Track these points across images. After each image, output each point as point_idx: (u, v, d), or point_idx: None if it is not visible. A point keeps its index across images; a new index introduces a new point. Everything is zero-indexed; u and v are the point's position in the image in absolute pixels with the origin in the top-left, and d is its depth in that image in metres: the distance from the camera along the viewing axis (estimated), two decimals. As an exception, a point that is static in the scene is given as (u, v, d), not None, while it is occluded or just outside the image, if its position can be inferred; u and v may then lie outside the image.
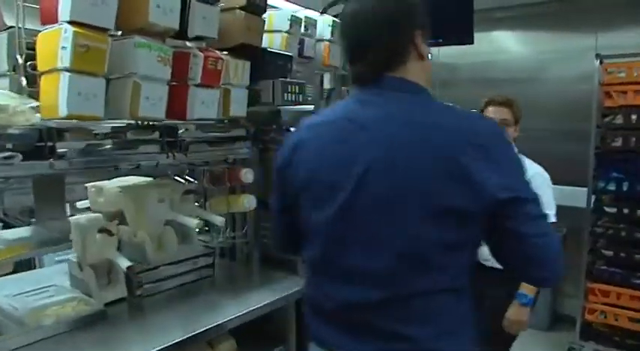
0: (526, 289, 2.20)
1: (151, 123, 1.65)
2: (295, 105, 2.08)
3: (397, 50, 1.14)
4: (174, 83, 1.62)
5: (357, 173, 1.08)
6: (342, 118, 1.16)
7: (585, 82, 4.11)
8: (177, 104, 1.65)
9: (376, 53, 1.13)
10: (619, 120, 3.41)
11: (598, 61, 3.46)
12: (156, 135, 1.66)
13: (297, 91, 2.04)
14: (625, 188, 3.35)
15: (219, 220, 1.87)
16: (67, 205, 2.02)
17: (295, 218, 1.25)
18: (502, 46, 4.65)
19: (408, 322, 1.09)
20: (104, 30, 1.40)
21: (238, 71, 1.88)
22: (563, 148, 4.04)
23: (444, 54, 4.72)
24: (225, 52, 1.84)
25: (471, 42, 3.14)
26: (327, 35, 2.51)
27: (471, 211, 1.03)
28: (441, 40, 3.16)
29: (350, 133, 1.12)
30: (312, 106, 3.11)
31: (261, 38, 2.00)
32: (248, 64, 1.92)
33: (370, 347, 1.12)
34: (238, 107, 1.90)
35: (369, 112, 1.13)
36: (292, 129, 2.08)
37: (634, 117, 3.30)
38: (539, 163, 2.42)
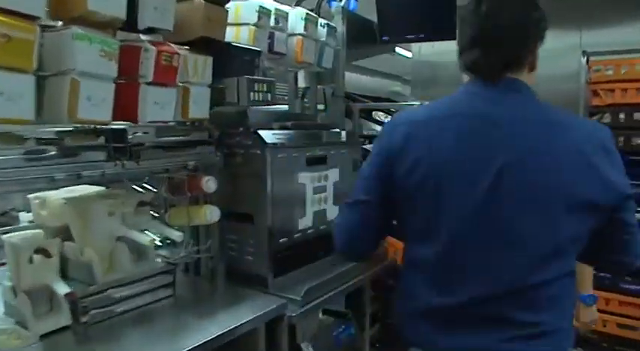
0: (586, 291, 2.27)
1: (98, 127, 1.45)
2: (264, 105, 1.88)
3: (523, 54, 1.24)
4: (121, 81, 1.42)
5: (495, 172, 1.11)
6: (467, 115, 1.19)
7: (570, 80, 4.01)
8: (126, 105, 1.44)
9: (506, 53, 1.22)
10: (607, 119, 3.29)
11: (585, 59, 3.32)
12: (102, 140, 1.45)
13: (265, 89, 1.85)
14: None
15: (176, 235, 1.67)
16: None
17: (390, 212, 1.30)
18: (483, 43, 4.51)
19: (538, 309, 1.15)
20: (32, 18, 1.19)
21: (198, 68, 1.68)
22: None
23: (424, 52, 4.60)
24: (184, 47, 1.64)
25: (453, 38, 2.97)
26: (300, 29, 2.32)
27: (601, 204, 1.14)
28: (423, 36, 3.00)
29: (483, 130, 1.16)
30: (287, 107, 2.95)
31: (224, 31, 1.80)
32: (210, 59, 1.72)
33: (497, 337, 1.15)
34: (199, 108, 1.70)
35: (501, 110, 1.18)
36: (262, 132, 1.91)
37: (622, 116, 3.19)
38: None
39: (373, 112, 2.75)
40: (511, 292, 1.14)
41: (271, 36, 2.16)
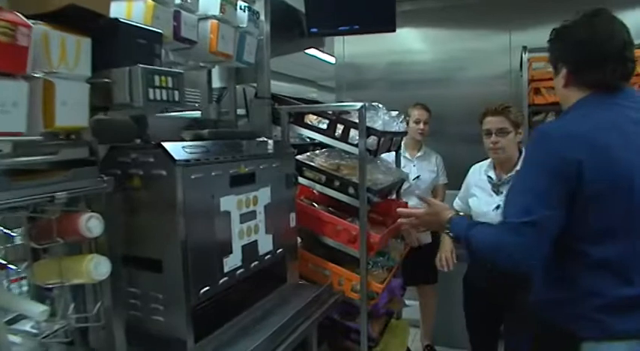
0: None
1: None
2: (169, 107, 1.36)
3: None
4: None
5: None
6: (630, 121, 1.36)
7: (502, 81, 3.84)
8: None
9: (630, 66, 1.39)
10: (551, 118, 3.06)
11: (526, 55, 3.08)
12: None
13: (170, 84, 1.32)
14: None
15: (37, 312, 1.09)
16: None
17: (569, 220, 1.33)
18: (411, 45, 4.25)
19: None
20: None
21: (68, 52, 1.13)
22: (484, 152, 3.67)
23: (349, 54, 4.27)
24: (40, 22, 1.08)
25: (393, 29, 2.60)
26: (215, 11, 1.81)
27: None
28: (357, 27, 2.59)
29: None
30: (199, 113, 2.41)
31: (109, 2, 1.26)
32: (86, 41, 1.18)
33: None
34: (72, 113, 1.15)
35: None
36: (168, 145, 1.38)
37: (568, 114, 2.95)
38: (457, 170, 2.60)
39: (305, 117, 2.27)
40: None
41: (177, 17, 1.63)
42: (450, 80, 4.07)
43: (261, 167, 1.80)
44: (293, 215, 2.08)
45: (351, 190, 2.21)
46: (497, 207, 2.35)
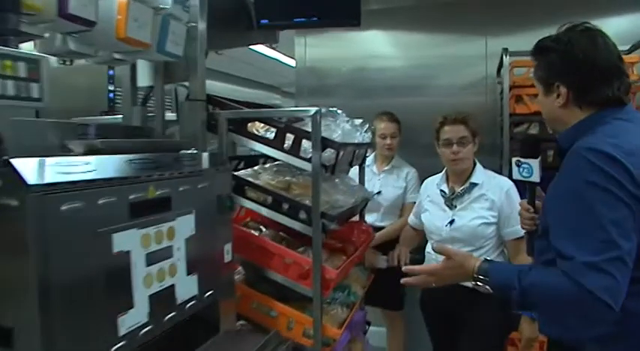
0: None
1: None
2: (16, 102, 0.92)
3: None
4: None
5: None
6: None
7: (477, 90, 3.54)
8: None
9: (625, 79, 1.36)
10: (534, 129, 2.73)
11: (507, 58, 2.74)
12: None
13: (20, 73, 0.88)
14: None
15: None
16: None
17: None
18: (379, 49, 3.90)
19: None
20: None
21: None
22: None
23: (311, 58, 3.93)
24: None
25: (357, 23, 2.21)
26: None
27: None
28: (315, 19, 2.19)
29: None
30: (120, 116, 1.98)
31: None
32: None
33: None
34: None
35: None
36: (20, 162, 0.94)
37: (553, 126, 2.62)
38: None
39: (249, 124, 1.86)
40: None
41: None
42: (422, 88, 3.74)
43: (181, 189, 1.38)
44: (229, 247, 1.66)
45: (302, 215, 1.80)
46: (451, 222, 2.25)
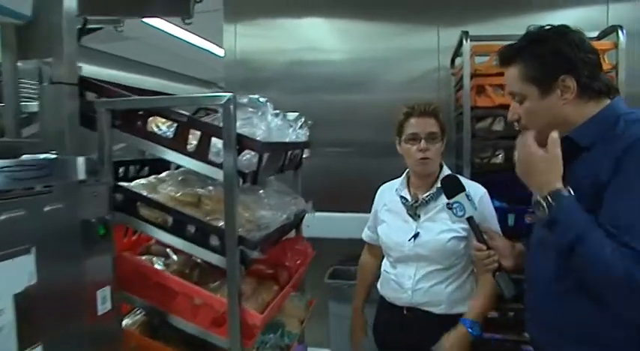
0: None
1: None
2: None
3: None
4: None
5: None
6: None
7: (427, 85, 3.17)
8: None
9: None
10: (498, 126, 2.36)
11: (468, 43, 2.36)
12: None
13: None
14: (510, 222, 2.31)
15: None
16: None
17: None
18: (318, 40, 3.42)
19: None
20: None
21: None
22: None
23: (242, 49, 3.48)
24: None
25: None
26: None
27: None
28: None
29: None
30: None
31: None
32: None
33: None
34: None
35: None
36: None
37: (520, 121, 2.26)
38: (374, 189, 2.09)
39: (150, 119, 1.37)
40: None
41: None
42: (367, 83, 3.31)
43: (6, 216, 0.88)
44: (106, 292, 1.17)
45: (214, 241, 1.33)
46: (415, 236, 1.82)
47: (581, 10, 3.09)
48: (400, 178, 1.97)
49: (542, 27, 1.26)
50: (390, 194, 1.97)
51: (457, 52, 2.65)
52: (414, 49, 3.24)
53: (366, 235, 2.11)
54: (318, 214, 3.30)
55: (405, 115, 1.85)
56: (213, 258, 1.33)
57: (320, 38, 3.42)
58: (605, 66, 2.34)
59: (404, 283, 1.83)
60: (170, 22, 4.79)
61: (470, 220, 1.47)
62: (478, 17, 3.04)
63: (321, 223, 3.29)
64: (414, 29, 3.27)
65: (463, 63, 2.40)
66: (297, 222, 1.89)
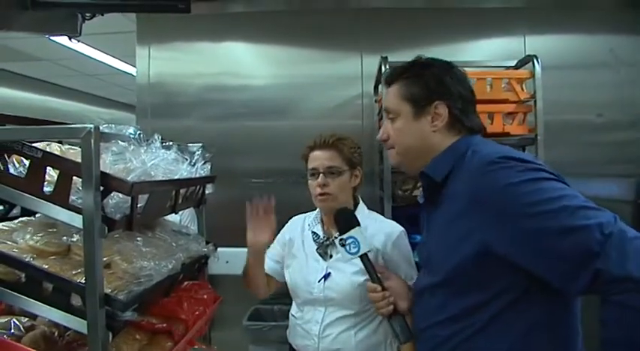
0: None
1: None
2: None
3: None
4: None
5: None
6: None
7: (351, 112, 3.10)
8: None
9: None
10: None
11: (386, 68, 2.27)
12: None
13: None
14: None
15: None
16: None
17: None
18: (238, 64, 3.28)
19: None
20: None
21: None
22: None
23: (157, 72, 3.29)
24: None
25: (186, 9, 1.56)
26: None
27: None
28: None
29: None
30: None
31: None
32: None
33: None
34: None
35: None
36: None
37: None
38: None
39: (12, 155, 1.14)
40: None
41: None
42: (288, 110, 3.19)
43: None
44: None
45: (75, 302, 1.10)
46: (326, 277, 1.67)
47: (500, 41, 3.15)
48: (314, 212, 1.82)
49: (429, 58, 1.31)
50: (301, 229, 1.81)
51: (378, 79, 2.56)
52: (337, 75, 3.17)
53: (267, 266, 1.83)
54: (238, 249, 3.10)
55: (309, 149, 1.75)
56: (75, 323, 1.09)
57: (240, 63, 3.27)
58: (523, 95, 2.32)
59: (310, 328, 1.67)
60: (85, 44, 4.52)
61: (363, 258, 1.38)
62: (401, 45, 3.00)
63: (242, 260, 3.11)
64: (337, 55, 3.20)
65: (383, 89, 2.30)
66: (197, 266, 1.68)
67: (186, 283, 1.75)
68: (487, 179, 1.06)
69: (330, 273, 1.66)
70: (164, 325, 1.53)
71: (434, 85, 1.23)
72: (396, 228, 1.71)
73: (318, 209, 1.80)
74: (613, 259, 0.91)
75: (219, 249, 1.86)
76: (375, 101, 2.90)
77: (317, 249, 1.72)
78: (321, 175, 1.67)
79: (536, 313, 1.06)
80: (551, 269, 1.00)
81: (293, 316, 1.78)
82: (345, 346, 1.63)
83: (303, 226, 1.82)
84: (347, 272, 1.63)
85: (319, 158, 1.70)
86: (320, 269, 1.69)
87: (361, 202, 1.78)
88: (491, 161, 1.07)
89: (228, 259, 2.79)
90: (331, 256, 1.70)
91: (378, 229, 1.70)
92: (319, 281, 1.67)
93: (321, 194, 1.67)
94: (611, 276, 0.91)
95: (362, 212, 1.74)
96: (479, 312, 1.10)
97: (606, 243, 0.92)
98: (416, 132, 1.24)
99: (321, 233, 1.74)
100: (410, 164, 1.29)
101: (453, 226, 1.13)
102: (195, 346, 1.75)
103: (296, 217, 1.90)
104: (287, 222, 1.90)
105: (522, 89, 2.33)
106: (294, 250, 1.79)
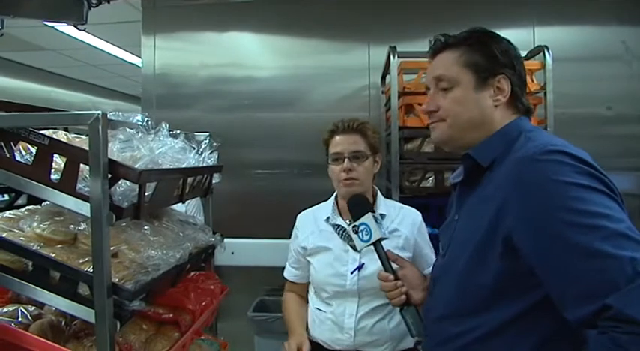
0: None
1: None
2: None
3: None
4: None
5: None
6: None
7: (358, 103, 3.07)
8: None
9: None
10: (428, 148, 2.24)
11: (395, 60, 2.24)
12: None
13: None
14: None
15: None
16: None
17: None
18: (243, 55, 3.25)
19: None
20: None
21: None
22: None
23: (162, 63, 3.29)
24: None
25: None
26: None
27: None
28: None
29: None
30: None
31: None
32: None
33: None
34: None
35: None
36: None
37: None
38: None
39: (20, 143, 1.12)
40: None
41: None
42: (295, 101, 3.17)
43: None
44: None
45: (83, 290, 1.09)
46: (360, 267, 1.62)
47: (508, 32, 3.07)
48: (325, 204, 1.78)
49: (483, 29, 1.19)
50: (315, 224, 1.76)
51: (386, 69, 2.54)
52: (344, 66, 3.14)
53: (290, 273, 1.82)
54: (244, 240, 3.10)
55: (330, 134, 1.71)
56: (82, 312, 1.08)
57: (247, 54, 3.25)
58: (534, 86, 2.28)
59: (344, 321, 1.62)
60: (90, 34, 4.50)
61: (376, 245, 1.34)
62: (410, 34, 2.97)
63: (248, 251, 3.10)
64: (344, 46, 3.17)
65: (391, 80, 2.27)
66: (204, 256, 1.66)
67: (193, 273, 1.75)
68: (537, 167, 0.96)
69: (363, 264, 1.62)
70: (171, 315, 1.53)
71: (500, 56, 1.12)
72: (416, 213, 1.73)
73: (331, 200, 1.77)
74: (632, 299, 0.82)
75: (224, 240, 1.85)
76: (383, 92, 2.87)
77: (348, 242, 1.64)
78: (346, 159, 1.63)
79: (558, 318, 0.93)
80: (558, 286, 0.91)
81: (319, 309, 1.71)
82: (381, 337, 1.61)
83: (316, 220, 1.77)
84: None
85: (343, 143, 1.66)
86: (352, 260, 1.64)
87: (378, 191, 1.76)
88: (548, 151, 0.97)
89: (234, 250, 2.79)
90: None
91: (403, 215, 1.69)
92: (352, 273, 1.62)
93: (347, 179, 1.63)
94: (622, 315, 0.82)
95: (382, 198, 1.73)
96: (495, 310, 1.02)
97: (634, 282, 0.82)
98: (477, 104, 1.12)
99: (344, 224, 1.68)
100: (461, 139, 1.15)
101: (486, 208, 1.03)
102: (202, 337, 1.75)
103: (302, 213, 1.86)
104: (292, 213, 1.87)
105: (532, 80, 2.30)
106: (314, 246, 1.72)
